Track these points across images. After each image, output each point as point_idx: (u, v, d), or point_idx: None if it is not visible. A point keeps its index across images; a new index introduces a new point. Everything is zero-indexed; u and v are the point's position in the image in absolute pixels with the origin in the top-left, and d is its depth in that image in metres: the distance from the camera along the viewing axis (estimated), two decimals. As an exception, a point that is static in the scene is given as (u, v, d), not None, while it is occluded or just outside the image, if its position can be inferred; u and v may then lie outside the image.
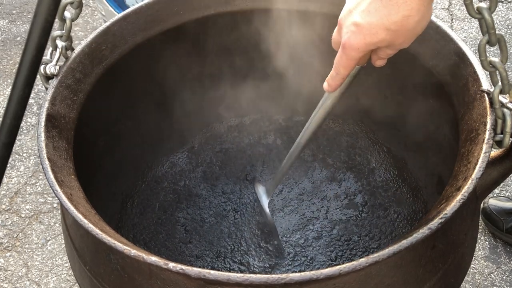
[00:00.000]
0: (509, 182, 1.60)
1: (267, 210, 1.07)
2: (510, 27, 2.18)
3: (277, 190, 1.17)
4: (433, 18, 0.79)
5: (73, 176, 0.73)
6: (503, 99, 0.69)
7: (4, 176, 1.61)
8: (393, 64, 0.85)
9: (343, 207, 1.13)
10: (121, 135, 1.04)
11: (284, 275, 0.55)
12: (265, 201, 1.08)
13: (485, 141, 0.67)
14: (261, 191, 1.09)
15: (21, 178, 1.70)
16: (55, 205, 1.63)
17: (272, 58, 1.14)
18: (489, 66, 0.68)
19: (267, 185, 1.09)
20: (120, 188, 1.11)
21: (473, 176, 0.63)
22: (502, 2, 2.31)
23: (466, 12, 0.64)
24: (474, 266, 1.42)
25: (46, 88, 0.82)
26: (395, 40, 0.63)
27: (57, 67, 0.83)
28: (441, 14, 2.26)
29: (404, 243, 0.57)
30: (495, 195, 1.55)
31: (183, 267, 0.56)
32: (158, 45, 1.00)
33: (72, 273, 1.29)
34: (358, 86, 1.09)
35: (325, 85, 0.75)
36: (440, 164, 0.98)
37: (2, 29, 2.31)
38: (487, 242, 1.47)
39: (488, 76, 0.71)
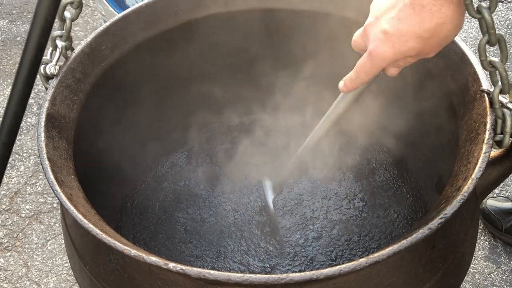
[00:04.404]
0: (509, 182, 1.60)
1: (271, 205, 1.06)
2: (510, 27, 2.18)
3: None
4: (433, 18, 0.79)
5: (73, 176, 0.73)
6: (503, 99, 0.69)
7: (4, 176, 1.60)
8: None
9: (343, 207, 1.13)
10: (121, 135, 1.03)
11: (284, 275, 0.55)
12: (270, 196, 1.07)
13: (485, 141, 0.67)
14: (267, 185, 1.09)
15: (21, 178, 1.70)
16: (55, 205, 1.63)
17: (272, 58, 1.14)
18: (489, 66, 0.67)
19: (275, 182, 1.09)
20: (120, 188, 1.11)
21: (473, 176, 0.63)
22: (502, 2, 2.31)
23: (466, 12, 0.64)
24: (474, 266, 1.42)
25: (46, 88, 0.82)
26: (424, 49, 0.62)
27: (57, 67, 0.83)
28: (441, 14, 2.25)
29: (404, 243, 0.57)
30: (494, 195, 1.55)
31: (183, 267, 0.56)
32: (158, 45, 1.00)
33: (72, 273, 1.29)
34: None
35: (340, 84, 0.74)
36: (440, 164, 0.98)
37: (2, 29, 2.31)
38: (487, 242, 1.47)
39: (488, 76, 0.71)
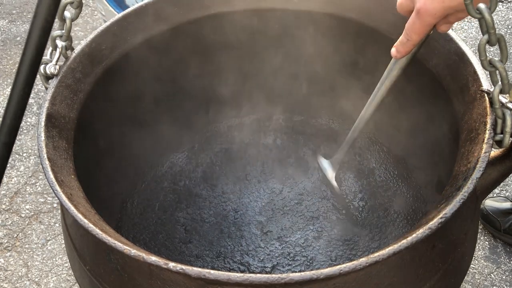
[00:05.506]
0: (509, 182, 1.60)
1: (334, 183, 1.10)
2: (510, 27, 2.18)
3: (277, 190, 1.17)
4: (433, 18, 0.79)
5: (73, 176, 0.73)
6: (503, 98, 0.69)
7: (4, 176, 1.60)
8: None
9: (343, 207, 1.13)
10: (121, 135, 1.04)
11: (284, 275, 0.55)
12: (331, 174, 1.10)
13: (485, 141, 0.67)
14: (325, 165, 1.11)
15: (21, 178, 1.70)
16: (55, 205, 1.63)
17: (272, 58, 1.14)
18: (489, 66, 0.67)
19: (332, 159, 1.10)
20: (120, 188, 1.11)
21: (473, 176, 0.63)
22: (502, 2, 2.31)
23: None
24: (474, 266, 1.42)
25: (46, 88, 0.82)
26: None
27: (57, 67, 0.82)
28: (441, 14, 2.25)
29: (404, 243, 0.57)
30: (494, 195, 1.55)
31: (183, 267, 0.56)
32: (158, 45, 1.00)
33: (72, 273, 1.29)
34: (357, 85, 1.09)
35: (393, 51, 0.73)
36: (440, 164, 0.98)
37: (2, 29, 2.31)
38: (487, 242, 1.47)
39: (488, 76, 0.71)
